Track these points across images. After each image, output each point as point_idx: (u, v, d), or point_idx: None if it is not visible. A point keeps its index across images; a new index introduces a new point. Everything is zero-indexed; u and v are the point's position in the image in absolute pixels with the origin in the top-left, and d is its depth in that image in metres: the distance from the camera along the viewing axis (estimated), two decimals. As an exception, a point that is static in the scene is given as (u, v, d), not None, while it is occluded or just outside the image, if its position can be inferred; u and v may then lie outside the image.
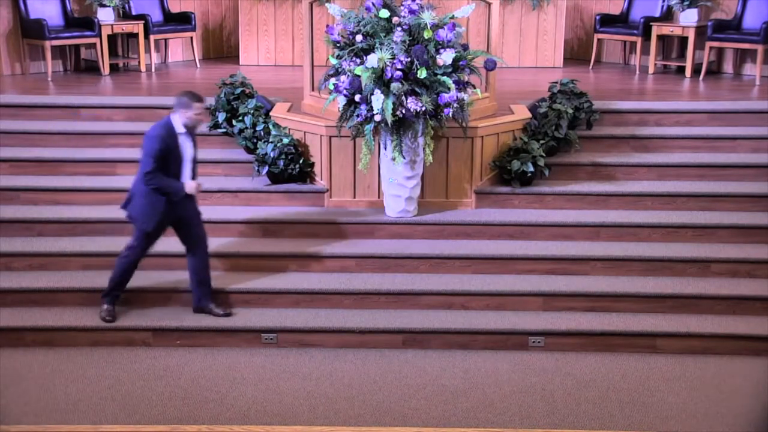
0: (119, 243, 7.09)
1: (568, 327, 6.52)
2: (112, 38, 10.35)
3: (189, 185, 6.41)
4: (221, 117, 7.95)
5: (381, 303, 6.76)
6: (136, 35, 10.28)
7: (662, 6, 10.38)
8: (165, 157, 6.26)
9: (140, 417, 5.60)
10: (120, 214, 7.23)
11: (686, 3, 9.96)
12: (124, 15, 10.44)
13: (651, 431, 5.48)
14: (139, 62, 10.34)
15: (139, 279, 6.84)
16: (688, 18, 9.97)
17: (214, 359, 6.35)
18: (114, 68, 10.29)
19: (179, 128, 6.33)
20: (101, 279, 6.83)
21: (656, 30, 10.11)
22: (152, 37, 10.34)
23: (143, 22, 10.22)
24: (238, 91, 8.05)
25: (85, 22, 9.96)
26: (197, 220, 6.59)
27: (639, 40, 10.25)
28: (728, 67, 10.25)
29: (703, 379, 6.12)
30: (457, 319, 6.61)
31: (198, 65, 10.67)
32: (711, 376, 6.15)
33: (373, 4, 6.83)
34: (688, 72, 9.97)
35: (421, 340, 6.52)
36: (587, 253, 7.04)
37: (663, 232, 7.24)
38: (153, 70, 10.34)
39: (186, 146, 6.41)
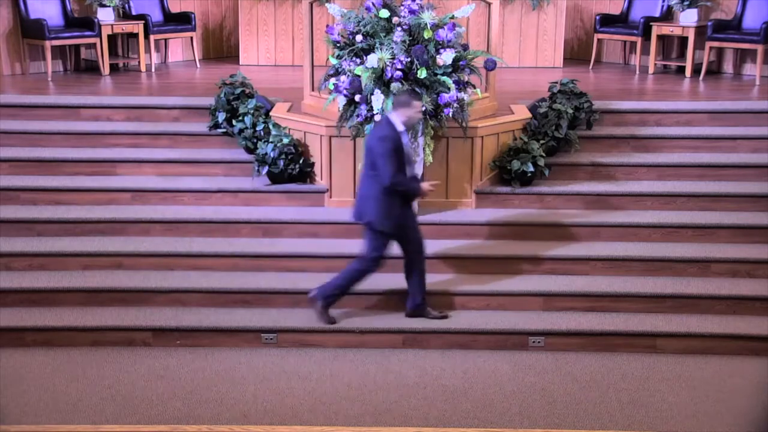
0: (119, 243, 7.12)
1: (568, 327, 6.52)
2: (112, 38, 10.34)
3: (424, 185, 6.38)
4: (221, 117, 7.95)
5: (381, 303, 6.75)
6: (136, 35, 10.27)
7: (662, 6, 10.38)
8: (398, 156, 6.20)
9: (140, 417, 5.60)
10: (122, 213, 7.28)
11: (686, 3, 9.96)
12: (124, 15, 10.44)
13: (651, 431, 5.47)
14: (139, 62, 10.34)
15: (138, 279, 6.85)
16: (688, 18, 9.97)
17: (214, 359, 6.35)
18: (114, 68, 10.29)
19: (399, 126, 6.24)
20: (101, 279, 6.85)
21: (656, 30, 10.11)
22: (152, 37, 10.33)
23: (143, 22, 10.22)
24: (238, 91, 8.05)
25: (85, 22, 9.95)
26: (416, 222, 6.54)
27: (639, 40, 10.25)
28: (728, 67, 10.25)
29: (703, 379, 6.11)
30: (458, 320, 6.60)
31: (198, 65, 10.66)
32: (711, 376, 6.15)
33: (373, 4, 6.83)
34: (688, 72, 9.97)
35: (421, 340, 6.51)
36: (587, 253, 7.04)
37: (663, 232, 7.24)
38: (153, 70, 10.33)
39: (406, 142, 6.32)
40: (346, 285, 6.47)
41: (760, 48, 9.52)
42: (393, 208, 6.27)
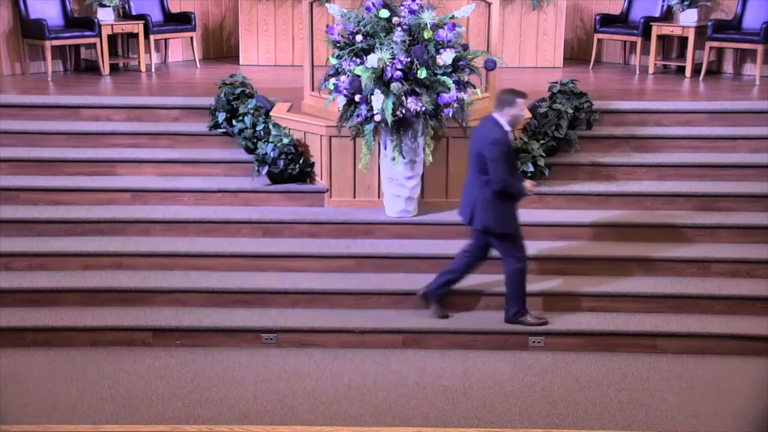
0: (119, 243, 7.12)
1: (568, 327, 6.52)
2: (112, 38, 10.34)
3: (526, 185, 6.33)
4: (221, 117, 7.95)
5: (381, 303, 6.76)
6: (136, 35, 10.27)
7: (662, 6, 10.38)
8: (509, 158, 6.20)
9: (140, 417, 5.60)
10: (122, 213, 7.27)
11: (686, 3, 9.96)
12: (124, 15, 10.44)
13: (651, 431, 5.47)
14: (139, 62, 10.34)
15: (138, 279, 6.85)
16: (688, 18, 9.97)
17: (214, 359, 6.35)
18: (114, 68, 10.28)
19: (505, 126, 6.21)
20: (101, 279, 6.85)
21: (656, 30, 10.10)
22: (152, 37, 10.33)
23: (143, 22, 10.22)
24: (238, 91, 8.05)
25: (85, 22, 9.95)
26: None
27: (639, 40, 10.25)
28: (728, 67, 10.25)
29: (702, 379, 6.11)
30: (458, 319, 6.60)
31: (198, 65, 10.66)
32: (711, 376, 6.15)
33: (373, 4, 6.83)
34: (688, 72, 9.97)
35: (422, 340, 6.51)
36: (587, 253, 7.04)
37: (664, 232, 7.23)
38: (153, 70, 10.33)
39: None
40: (520, 289, 6.44)
41: (760, 48, 9.51)
42: (509, 209, 6.27)
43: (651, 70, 10.22)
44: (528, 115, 6.25)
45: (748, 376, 6.15)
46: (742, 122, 8.22)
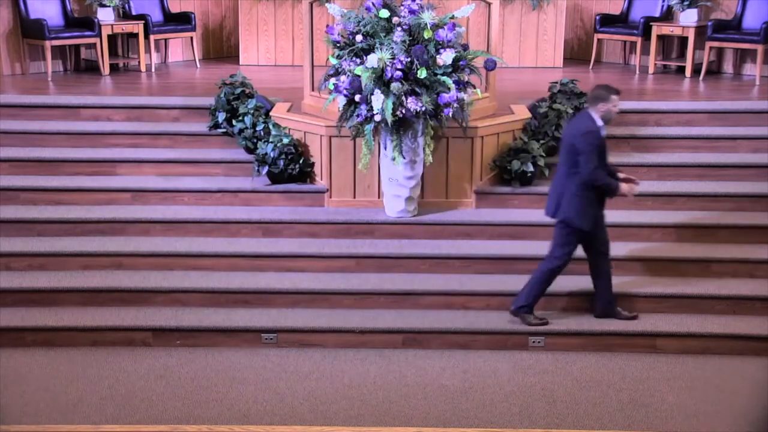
0: (119, 243, 7.12)
1: (568, 327, 6.52)
2: (112, 38, 10.34)
3: (624, 187, 6.25)
4: (221, 117, 7.95)
5: (381, 303, 6.76)
6: (136, 35, 10.26)
7: (662, 6, 10.37)
8: (601, 153, 6.17)
9: (140, 417, 5.60)
10: (122, 213, 7.27)
11: (686, 3, 9.96)
12: (124, 15, 10.43)
13: (651, 431, 5.47)
14: (139, 62, 10.34)
15: (138, 279, 6.85)
16: (688, 18, 9.97)
17: (214, 359, 6.35)
18: (114, 68, 10.28)
19: (598, 122, 6.19)
20: (101, 279, 6.85)
21: (656, 30, 10.10)
22: (152, 37, 10.33)
23: (143, 22, 10.21)
24: (238, 91, 8.05)
25: (85, 22, 9.95)
26: (604, 222, 6.47)
27: (639, 40, 10.25)
28: (728, 67, 10.25)
29: (702, 379, 6.11)
30: (458, 319, 6.60)
31: (198, 65, 10.66)
32: (711, 376, 6.15)
33: (373, 4, 6.83)
34: (688, 72, 9.97)
35: (422, 340, 6.51)
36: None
37: (663, 232, 7.23)
38: (153, 70, 10.33)
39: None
40: (540, 288, 6.45)
41: (760, 48, 9.51)
42: (591, 205, 6.24)
43: (651, 70, 10.21)
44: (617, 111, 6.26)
45: (748, 376, 6.15)
46: (742, 122, 8.22)
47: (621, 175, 6.39)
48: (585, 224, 6.26)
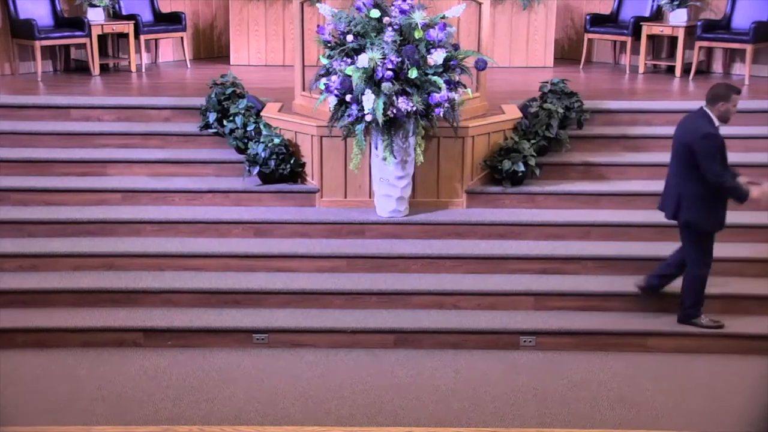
0: (110, 244, 7.11)
1: (559, 326, 6.53)
2: (102, 38, 10.31)
3: (755, 192, 6.07)
4: (212, 117, 7.94)
5: (372, 303, 6.76)
6: (126, 35, 10.24)
7: (652, 6, 10.40)
8: (723, 155, 6.04)
9: (132, 418, 5.58)
10: (113, 214, 7.25)
11: (676, 3, 9.99)
12: (114, 15, 10.40)
13: (642, 430, 5.48)
14: (129, 62, 10.31)
15: (129, 279, 6.83)
16: (678, 18, 10.00)
17: (205, 360, 6.34)
18: (104, 68, 10.26)
19: (715, 121, 6.10)
20: (92, 280, 6.83)
21: (646, 30, 10.13)
22: (142, 37, 10.31)
23: (133, 22, 10.19)
24: (229, 91, 8.04)
25: (75, 22, 9.93)
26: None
27: (629, 39, 10.28)
28: (718, 66, 10.29)
29: (694, 378, 6.13)
30: (449, 319, 6.61)
31: (188, 65, 10.64)
32: (702, 375, 6.17)
33: (363, 4, 6.82)
34: (678, 72, 10.00)
35: (413, 339, 6.52)
36: (579, 252, 7.06)
37: (654, 231, 7.24)
38: (143, 70, 10.31)
39: None
40: (697, 296, 6.40)
41: (749, 48, 9.55)
42: (718, 207, 6.16)
43: (641, 69, 10.25)
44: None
45: (740, 375, 6.17)
46: (732, 122, 8.18)
47: (743, 179, 6.22)
48: (710, 226, 6.19)
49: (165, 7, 10.75)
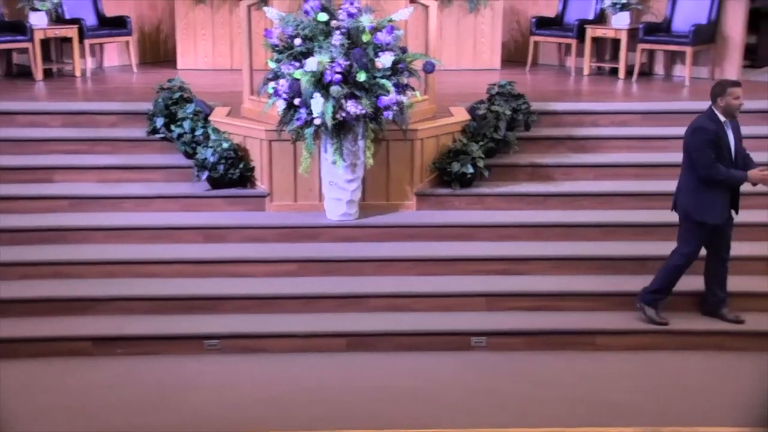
0: (59, 252, 7.00)
1: (511, 327, 6.59)
2: (45, 43, 10.14)
3: (753, 172, 6.20)
4: (159, 122, 7.88)
5: (326, 306, 6.76)
6: (70, 40, 10.09)
7: (596, 9, 10.56)
8: (716, 148, 6.17)
9: (83, 429, 5.51)
10: (61, 221, 7.15)
11: (618, 6, 10.15)
12: (57, 19, 10.24)
13: (596, 427, 5.56)
14: (73, 67, 10.17)
15: (79, 288, 6.75)
16: (620, 21, 10.17)
17: (157, 367, 6.27)
18: (48, 73, 10.09)
19: (721, 117, 6.24)
20: (42, 288, 6.72)
21: (590, 32, 10.29)
22: (87, 42, 10.18)
23: (77, 26, 10.05)
24: (177, 95, 7.99)
25: (17, 27, 9.75)
26: (731, 225, 6.48)
27: (574, 42, 10.42)
28: (659, 68, 10.47)
29: (643, 375, 6.22)
30: (403, 321, 6.63)
31: (135, 70, 10.52)
32: (651, 372, 6.26)
33: (311, 7, 6.83)
34: (621, 73, 10.16)
35: (367, 342, 6.53)
36: (529, 253, 7.14)
37: (602, 231, 7.36)
38: (88, 75, 10.18)
39: (730, 136, 6.30)
40: (664, 283, 6.52)
41: (689, 50, 9.75)
42: (714, 200, 6.27)
43: (586, 71, 10.40)
44: (742, 101, 6.33)
45: (687, 370, 6.28)
46: (674, 122, 8.39)
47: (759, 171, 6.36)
48: (708, 217, 6.32)
49: (110, 11, 10.59)
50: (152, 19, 11.10)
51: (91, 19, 10.35)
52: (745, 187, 6.50)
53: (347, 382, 6.11)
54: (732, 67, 9.90)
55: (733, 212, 6.47)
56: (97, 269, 6.91)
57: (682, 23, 9.98)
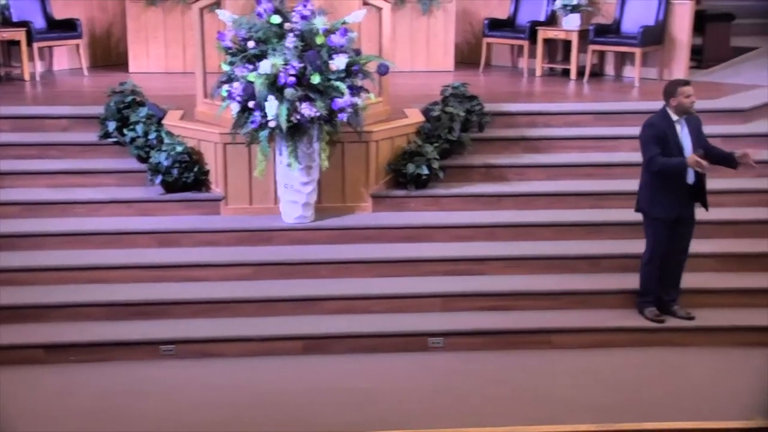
0: (11, 258, 6.91)
1: (467, 327, 6.63)
2: (-7, 46, 9.99)
3: (690, 158, 6.27)
4: (112, 126, 7.80)
5: (282, 310, 6.74)
6: (17, 43, 9.92)
7: (547, 11, 10.66)
8: (662, 144, 6.34)
9: (37, 436, 5.45)
10: (12, 227, 7.05)
11: (569, 8, 10.25)
12: (5, 22, 10.05)
13: (552, 425, 5.61)
14: (22, 71, 10.00)
15: (31, 294, 6.65)
16: (571, 22, 10.27)
17: (112, 374, 6.20)
18: (-5, 77, 9.94)
19: (673, 116, 6.39)
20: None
21: (542, 34, 10.38)
22: (35, 45, 10.01)
23: (25, 29, 9.89)
24: (129, 99, 7.91)
25: (-36, 30, 9.59)
26: (694, 222, 6.60)
27: (526, 43, 10.51)
28: (610, 69, 10.59)
29: (598, 373, 6.30)
30: (360, 323, 6.64)
31: (86, 73, 10.38)
32: (606, 369, 6.33)
33: (264, 10, 6.81)
34: (573, 74, 10.27)
35: (324, 345, 6.53)
36: (484, 253, 7.19)
37: (555, 231, 7.43)
38: (38, 78, 10.02)
39: (684, 133, 6.43)
40: (645, 285, 6.69)
41: (638, 51, 9.89)
42: (666, 196, 6.41)
43: (538, 72, 10.49)
44: (695, 99, 6.47)
45: (640, 366, 6.38)
46: (624, 122, 8.51)
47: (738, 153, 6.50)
48: (660, 213, 6.48)
49: (59, 14, 10.43)
50: (103, 22, 10.96)
51: (39, 22, 10.19)
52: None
53: (304, 385, 6.10)
54: (679, 68, 10.06)
55: (704, 210, 6.59)
56: (50, 275, 6.82)
57: (631, 25, 10.11)
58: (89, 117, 8.12)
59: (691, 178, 6.45)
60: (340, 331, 6.56)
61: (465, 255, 7.15)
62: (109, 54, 11.06)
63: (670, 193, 6.45)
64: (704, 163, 6.23)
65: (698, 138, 6.50)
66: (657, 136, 6.39)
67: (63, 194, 7.48)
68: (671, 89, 6.44)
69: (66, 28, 10.29)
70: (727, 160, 6.54)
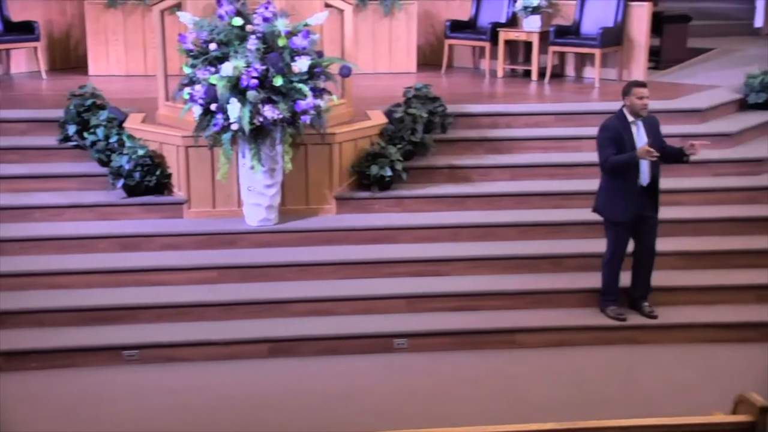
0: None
1: (432, 327, 6.66)
2: (-53, 49, 9.83)
3: (639, 149, 6.33)
4: (71, 130, 7.72)
5: (247, 313, 6.71)
6: (-26, 46, 9.81)
7: (507, 12, 10.73)
8: (617, 145, 6.42)
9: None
10: None
11: (529, 10, 10.33)
12: (-40, 25, 9.94)
13: (516, 423, 5.64)
14: (-22, 74, 9.88)
15: (-9, 301, 6.58)
16: (532, 24, 10.35)
17: (73, 380, 6.14)
18: (-49, 81, 9.79)
19: (629, 117, 6.48)
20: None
21: (503, 35, 10.45)
22: (-8, 48, 9.90)
23: (-19, 32, 9.77)
24: (89, 102, 7.83)
25: None
26: (656, 221, 6.65)
27: (487, 45, 10.56)
28: (570, 70, 10.69)
29: (560, 371, 6.34)
30: (325, 325, 6.64)
31: (44, 76, 10.25)
32: (569, 368, 6.39)
33: (226, 12, 6.78)
34: (534, 75, 10.35)
35: (289, 348, 6.51)
36: (448, 253, 7.21)
37: (518, 231, 7.48)
38: (-6, 82, 9.90)
39: (640, 134, 6.50)
40: (606, 284, 6.78)
41: (597, 52, 9.99)
42: (620, 199, 6.49)
43: (500, 74, 10.55)
44: (647, 102, 6.52)
45: (603, 364, 6.44)
46: (585, 122, 8.57)
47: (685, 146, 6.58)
48: (614, 215, 6.58)
49: (16, 16, 10.30)
50: (61, 25, 10.84)
51: (-5, 25, 10.07)
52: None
53: (270, 388, 6.08)
54: (638, 69, 10.18)
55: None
56: (9, 282, 6.72)
57: (590, 26, 10.22)
58: (48, 120, 8.03)
59: (645, 179, 6.53)
60: (305, 333, 6.55)
61: (429, 256, 7.17)
62: (68, 57, 10.95)
63: (624, 195, 6.53)
64: (653, 151, 6.32)
65: (656, 139, 6.58)
66: (612, 137, 6.49)
67: (21, 199, 7.39)
68: (627, 89, 6.55)
69: (23, 30, 10.16)
70: (677, 155, 6.63)
